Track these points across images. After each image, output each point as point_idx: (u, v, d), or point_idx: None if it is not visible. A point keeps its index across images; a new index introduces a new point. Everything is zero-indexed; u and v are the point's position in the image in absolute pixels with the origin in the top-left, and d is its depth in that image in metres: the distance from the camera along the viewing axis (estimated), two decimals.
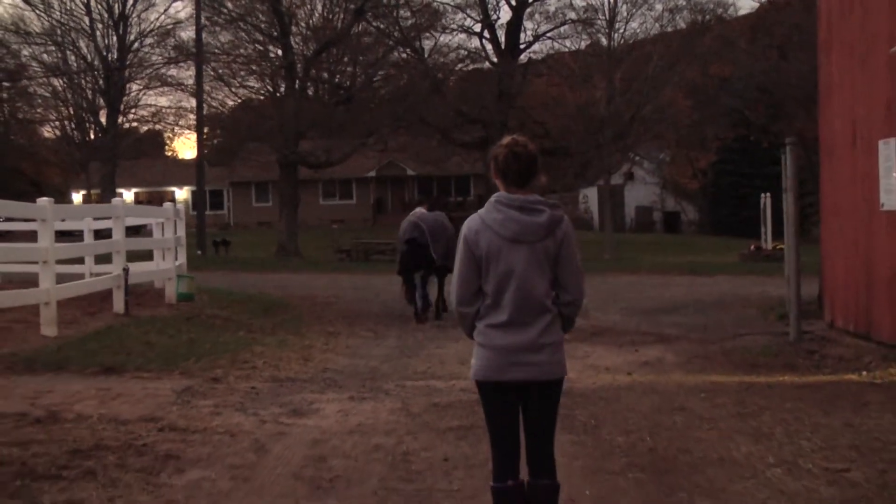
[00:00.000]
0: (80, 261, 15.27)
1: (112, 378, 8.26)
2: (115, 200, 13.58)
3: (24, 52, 46.15)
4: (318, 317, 14.37)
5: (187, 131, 51.02)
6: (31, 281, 12.60)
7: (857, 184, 10.09)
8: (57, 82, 46.59)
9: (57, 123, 51.12)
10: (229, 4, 36.70)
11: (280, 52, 36.93)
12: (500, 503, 3.88)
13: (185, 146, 72.91)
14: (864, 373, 8.62)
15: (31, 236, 22.15)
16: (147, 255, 16.07)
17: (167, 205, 15.74)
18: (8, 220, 17.64)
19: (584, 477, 5.38)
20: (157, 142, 66.43)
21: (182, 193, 57.59)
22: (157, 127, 54.60)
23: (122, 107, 46.19)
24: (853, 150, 10.20)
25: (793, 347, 10.59)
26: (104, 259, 15.37)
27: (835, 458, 5.67)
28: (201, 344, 10.30)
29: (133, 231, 19.62)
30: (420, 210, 14.75)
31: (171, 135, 61.44)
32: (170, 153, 72.29)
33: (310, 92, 39.59)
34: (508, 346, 3.84)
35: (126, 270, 12.45)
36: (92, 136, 48.40)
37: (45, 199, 10.69)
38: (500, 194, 3.95)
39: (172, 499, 4.93)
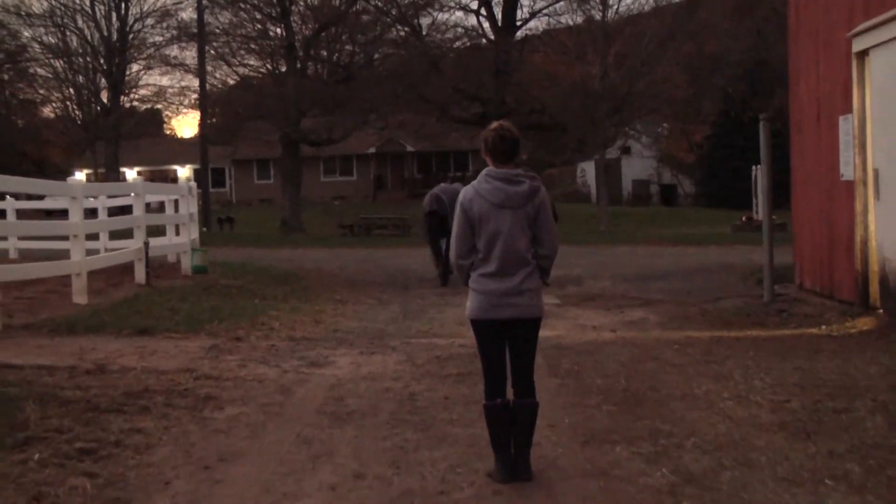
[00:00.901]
0: (95, 236, 16.13)
1: (146, 338, 9.18)
2: (136, 179, 14.43)
3: (25, 34, 46.80)
4: (326, 286, 15.20)
5: (189, 110, 51.71)
6: (47, 257, 13.50)
7: (822, 156, 10.98)
8: (58, 63, 47.16)
9: (59, 104, 51.74)
10: None
11: (279, 30, 37.54)
12: (491, 417, 4.81)
13: (184, 123, 73.50)
14: (823, 327, 9.54)
15: (28, 215, 23.05)
16: (157, 231, 16.83)
17: (182, 182, 16.61)
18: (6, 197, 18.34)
19: (565, 410, 6.31)
20: (155, 120, 66.92)
21: (184, 172, 58.19)
22: (158, 106, 55.21)
23: (123, 87, 46.79)
24: (818, 126, 11.09)
25: (765, 308, 11.49)
26: (115, 235, 16.29)
27: (780, 392, 6.59)
28: (221, 309, 11.19)
29: None
30: (443, 184, 16.29)
31: (170, 114, 62.09)
32: (168, 132, 72.96)
33: (310, 71, 40.24)
34: (497, 291, 4.74)
35: (147, 244, 13.35)
36: (94, 116, 48.99)
37: (75, 177, 11.56)
38: (490, 169, 4.85)
39: (217, 428, 5.87)
